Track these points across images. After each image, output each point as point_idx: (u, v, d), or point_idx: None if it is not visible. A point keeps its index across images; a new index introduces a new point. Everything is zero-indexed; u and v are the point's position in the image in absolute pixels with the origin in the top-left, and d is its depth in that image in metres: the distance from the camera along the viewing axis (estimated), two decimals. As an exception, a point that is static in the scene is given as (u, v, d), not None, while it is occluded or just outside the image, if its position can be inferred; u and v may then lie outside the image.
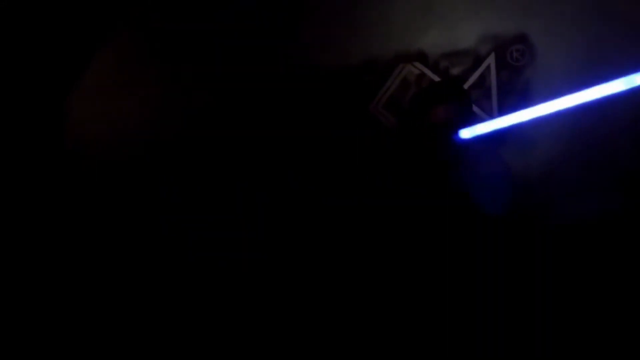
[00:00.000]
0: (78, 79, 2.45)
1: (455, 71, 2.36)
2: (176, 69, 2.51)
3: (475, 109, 2.32)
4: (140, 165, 2.54)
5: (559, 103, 1.76)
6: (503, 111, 2.30)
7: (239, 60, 2.46)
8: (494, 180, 1.94)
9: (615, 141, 2.19)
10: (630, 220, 2.16)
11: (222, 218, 2.50)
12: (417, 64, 2.36)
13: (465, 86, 2.33)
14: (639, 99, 1.82)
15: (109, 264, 2.51)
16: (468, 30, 2.32)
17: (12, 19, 2.16)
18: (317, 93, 2.44)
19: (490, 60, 2.30)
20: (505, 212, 1.88)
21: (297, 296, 2.38)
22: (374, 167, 2.41)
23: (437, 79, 2.35)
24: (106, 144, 2.52)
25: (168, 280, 2.48)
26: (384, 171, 2.36)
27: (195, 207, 2.54)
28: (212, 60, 2.48)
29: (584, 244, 2.12)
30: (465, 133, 1.87)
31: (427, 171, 2.02)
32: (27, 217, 2.45)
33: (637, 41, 2.18)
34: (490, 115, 2.32)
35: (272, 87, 2.45)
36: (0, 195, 2.42)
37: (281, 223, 2.48)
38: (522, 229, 2.14)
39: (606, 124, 2.17)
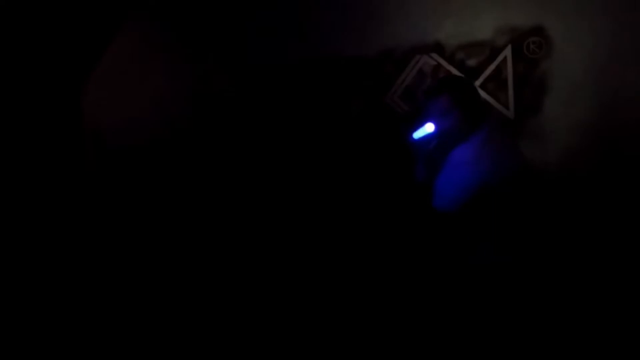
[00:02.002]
0: (93, 68, 2.43)
1: (471, 63, 2.36)
2: (186, 61, 2.50)
3: (491, 100, 2.34)
4: (147, 155, 2.55)
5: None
6: (519, 103, 2.32)
7: (252, 53, 2.46)
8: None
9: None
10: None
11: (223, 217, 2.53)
12: (434, 55, 2.36)
13: (482, 78, 2.34)
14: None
15: (111, 257, 2.53)
16: (485, 22, 2.32)
17: (29, 7, 2.14)
18: (333, 84, 2.45)
19: (507, 52, 2.30)
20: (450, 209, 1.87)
21: (296, 295, 2.41)
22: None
23: (453, 70, 2.35)
24: (116, 132, 2.52)
25: (168, 279, 2.50)
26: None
27: (196, 206, 2.55)
28: (225, 53, 2.48)
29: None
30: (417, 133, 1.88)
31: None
32: (35, 207, 2.44)
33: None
34: (507, 108, 2.33)
35: (287, 79, 2.46)
36: (9, 180, 2.40)
37: (282, 222, 2.51)
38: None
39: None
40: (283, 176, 2.54)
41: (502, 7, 2.31)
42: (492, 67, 2.32)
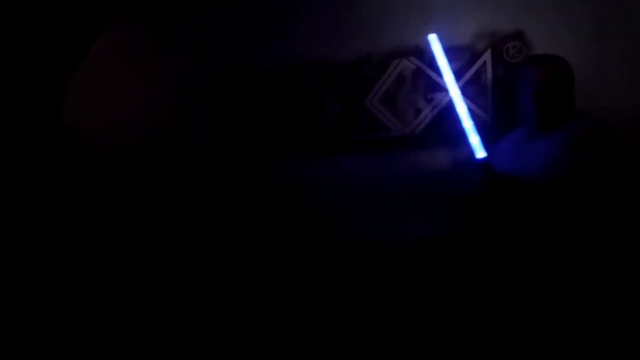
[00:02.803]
0: (74, 70, 2.48)
1: (451, 67, 2.34)
2: (172, 62, 2.54)
3: (470, 105, 2.32)
4: (135, 158, 2.57)
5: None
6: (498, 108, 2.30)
7: (234, 55, 2.49)
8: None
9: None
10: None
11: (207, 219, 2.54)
12: (413, 59, 2.36)
13: (461, 82, 2.32)
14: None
15: (105, 258, 2.53)
16: (465, 26, 2.31)
17: (10, 8, 2.19)
18: (313, 86, 2.46)
19: (487, 57, 2.29)
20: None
21: (295, 297, 2.39)
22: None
23: (432, 74, 2.35)
24: (101, 135, 2.55)
25: (166, 279, 2.50)
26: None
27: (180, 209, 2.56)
28: (208, 55, 2.52)
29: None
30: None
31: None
32: (23, 209, 2.46)
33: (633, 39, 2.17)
34: (485, 112, 2.31)
35: (267, 81, 2.48)
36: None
37: (273, 221, 2.50)
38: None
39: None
40: (269, 177, 2.53)
41: (482, 12, 2.31)
42: (471, 71, 2.31)
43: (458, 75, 2.33)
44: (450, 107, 2.31)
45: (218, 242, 2.50)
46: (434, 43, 1.93)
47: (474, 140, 1.76)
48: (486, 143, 1.78)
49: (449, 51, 2.31)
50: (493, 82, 2.29)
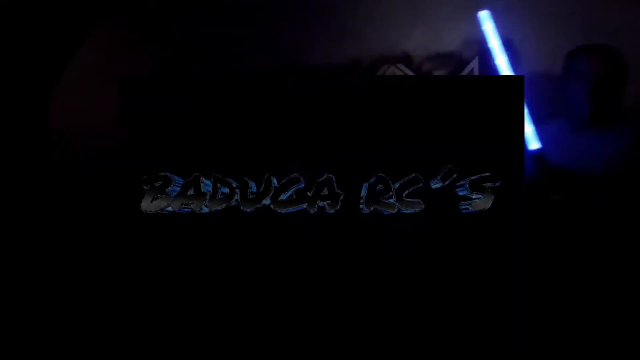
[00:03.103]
0: (61, 72, 2.47)
1: (439, 74, 2.35)
2: (161, 66, 2.53)
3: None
4: (122, 160, 2.56)
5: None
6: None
7: (222, 61, 2.48)
8: None
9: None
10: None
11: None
12: (401, 66, 2.36)
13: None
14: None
15: (95, 261, 2.52)
16: (452, 34, 2.32)
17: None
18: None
19: (474, 64, 2.30)
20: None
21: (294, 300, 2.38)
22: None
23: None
24: (88, 138, 2.55)
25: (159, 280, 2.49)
26: None
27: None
28: (196, 61, 2.51)
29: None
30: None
31: None
32: (11, 210, 2.45)
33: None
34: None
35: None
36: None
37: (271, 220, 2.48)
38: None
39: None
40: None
41: (469, 19, 2.30)
42: (458, 78, 2.31)
43: (445, 83, 2.35)
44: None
45: (216, 242, 2.50)
46: (486, 21, 1.84)
47: (528, 130, 1.68)
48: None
49: (436, 58, 2.36)
50: (480, 90, 2.29)
